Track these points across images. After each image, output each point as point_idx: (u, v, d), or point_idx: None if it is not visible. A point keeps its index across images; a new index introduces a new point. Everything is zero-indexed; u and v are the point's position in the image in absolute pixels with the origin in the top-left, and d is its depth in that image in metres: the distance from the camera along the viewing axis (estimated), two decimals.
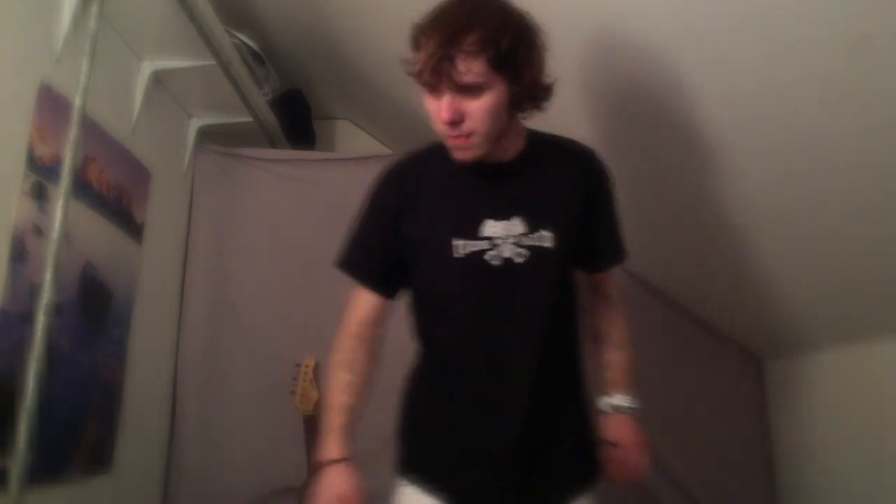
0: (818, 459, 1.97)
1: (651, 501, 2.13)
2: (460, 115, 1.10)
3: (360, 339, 1.29)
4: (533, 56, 1.13)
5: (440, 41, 1.06)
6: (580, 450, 1.28)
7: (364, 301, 1.29)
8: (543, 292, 1.21)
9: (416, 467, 1.27)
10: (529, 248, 1.19)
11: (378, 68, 2.39)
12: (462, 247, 1.19)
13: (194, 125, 2.33)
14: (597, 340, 1.36)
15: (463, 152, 1.15)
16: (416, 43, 1.11)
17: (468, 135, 1.12)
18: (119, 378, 1.86)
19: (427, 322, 1.29)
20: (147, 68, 1.99)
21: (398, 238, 1.24)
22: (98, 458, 1.77)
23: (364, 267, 1.29)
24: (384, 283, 1.28)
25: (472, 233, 1.19)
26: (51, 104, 1.53)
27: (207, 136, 2.39)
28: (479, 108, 1.10)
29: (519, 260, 1.18)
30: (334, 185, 2.35)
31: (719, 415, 2.20)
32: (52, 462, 1.56)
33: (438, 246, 1.20)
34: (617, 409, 1.30)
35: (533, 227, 1.19)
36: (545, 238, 1.19)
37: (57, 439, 1.58)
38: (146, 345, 1.99)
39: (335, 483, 1.22)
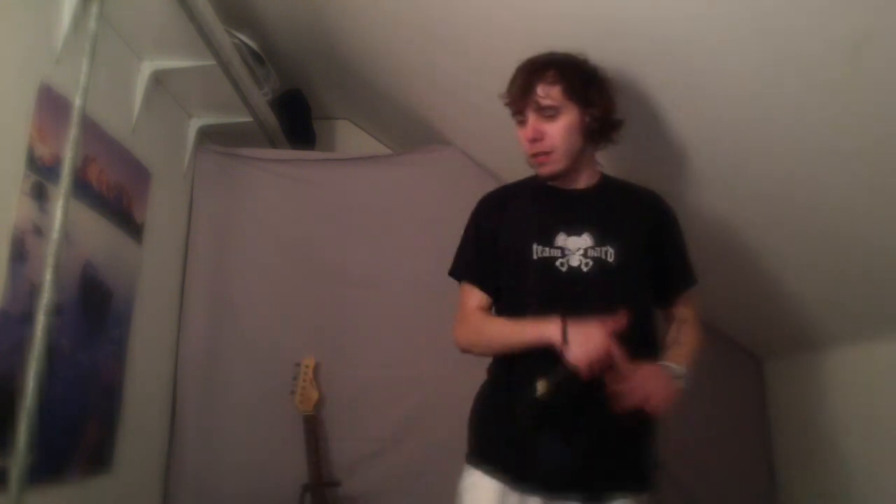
0: (818, 459, 1.97)
1: (651, 501, 2.13)
2: (541, 134, 1.36)
3: (480, 313, 1.46)
4: (602, 92, 1.40)
5: (526, 73, 1.38)
6: (637, 456, 1.40)
7: (474, 296, 1.47)
8: (605, 299, 1.32)
9: (484, 454, 1.37)
10: (594, 259, 1.36)
11: (378, 68, 2.39)
12: (539, 251, 1.38)
13: (194, 125, 2.33)
14: (665, 346, 1.47)
15: (544, 167, 1.39)
16: (510, 84, 1.40)
17: (548, 152, 1.37)
18: (119, 378, 1.86)
19: (507, 315, 1.43)
20: (147, 68, 1.99)
21: (495, 246, 1.45)
22: (98, 458, 1.77)
23: (471, 270, 1.49)
24: (486, 282, 1.46)
25: (548, 241, 1.38)
26: (51, 104, 1.53)
27: (207, 136, 2.39)
28: (556, 128, 1.36)
29: (585, 269, 1.36)
30: (334, 185, 2.35)
31: (719, 415, 2.20)
32: (52, 462, 1.56)
33: (522, 249, 1.39)
34: (660, 363, 1.37)
35: (600, 242, 1.37)
36: (609, 253, 1.36)
37: (57, 439, 1.58)
38: (146, 345, 1.99)
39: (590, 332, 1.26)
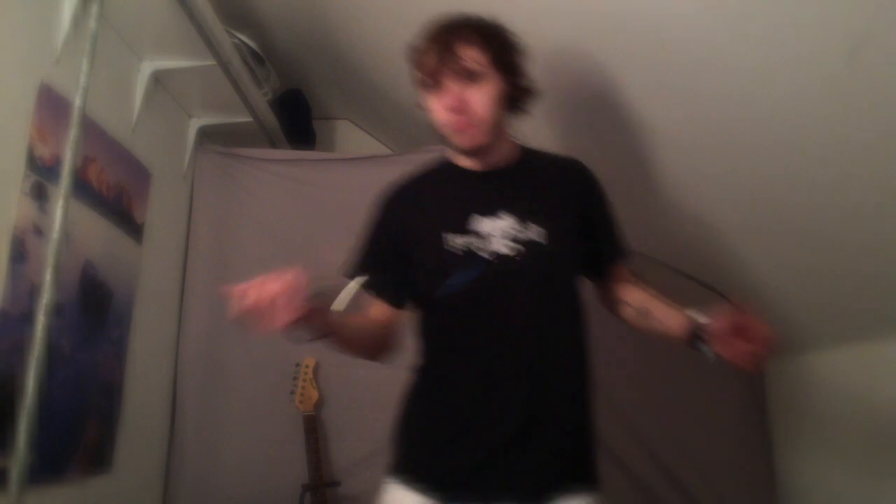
0: (818, 460, 1.97)
1: (650, 500, 2.13)
2: (464, 102, 1.19)
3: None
4: (521, 59, 1.26)
5: (445, 34, 1.20)
6: (576, 452, 1.21)
7: (375, 308, 1.31)
8: (538, 286, 1.21)
9: (407, 466, 1.23)
10: (522, 242, 1.21)
11: (378, 68, 2.39)
12: (451, 239, 1.22)
13: (194, 125, 2.33)
14: (650, 309, 1.31)
15: (467, 138, 1.22)
16: (417, 48, 1.23)
17: (471, 122, 1.20)
18: (119, 378, 1.86)
19: (424, 318, 1.29)
20: (147, 68, 1.99)
21: (401, 245, 1.28)
22: (98, 458, 1.77)
23: (370, 275, 1.29)
24: (385, 290, 1.30)
25: (461, 227, 1.22)
26: (51, 104, 1.53)
27: (207, 136, 2.39)
28: (481, 95, 1.20)
29: (511, 254, 1.20)
30: (334, 185, 2.35)
31: (719, 415, 2.20)
32: (52, 462, 1.56)
33: (431, 240, 1.23)
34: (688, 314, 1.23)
35: (523, 222, 1.22)
36: (537, 233, 1.21)
37: (57, 439, 1.58)
38: (146, 345, 1.99)
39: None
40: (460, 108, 1.19)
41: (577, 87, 1.69)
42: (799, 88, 1.25)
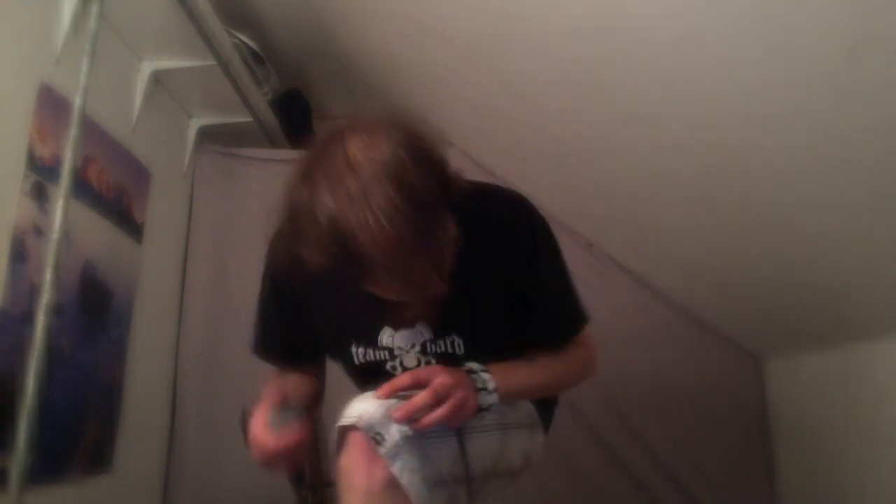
0: (818, 459, 1.97)
1: (650, 500, 2.13)
2: (438, 288, 0.90)
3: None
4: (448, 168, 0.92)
5: (394, 265, 0.84)
6: None
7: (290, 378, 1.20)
8: None
9: None
10: (438, 356, 1.06)
11: (378, 68, 2.39)
12: (362, 354, 1.09)
13: (194, 125, 2.33)
14: None
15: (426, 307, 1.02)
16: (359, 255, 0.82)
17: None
18: (119, 378, 1.86)
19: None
20: (147, 68, 1.99)
21: (307, 328, 1.14)
22: (98, 458, 1.77)
23: (280, 350, 1.22)
24: (306, 360, 1.21)
25: (370, 341, 1.08)
26: (51, 104, 1.53)
27: (207, 136, 2.39)
28: (445, 269, 0.89)
29: (425, 358, 1.06)
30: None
31: (719, 414, 2.20)
32: (52, 462, 1.55)
33: (340, 349, 1.12)
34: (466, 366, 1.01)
35: (442, 332, 1.06)
36: (457, 344, 1.05)
37: (57, 439, 1.58)
38: (146, 345, 1.99)
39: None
40: (435, 292, 0.90)
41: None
42: (800, 89, 1.25)
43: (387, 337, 1.07)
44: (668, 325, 2.27)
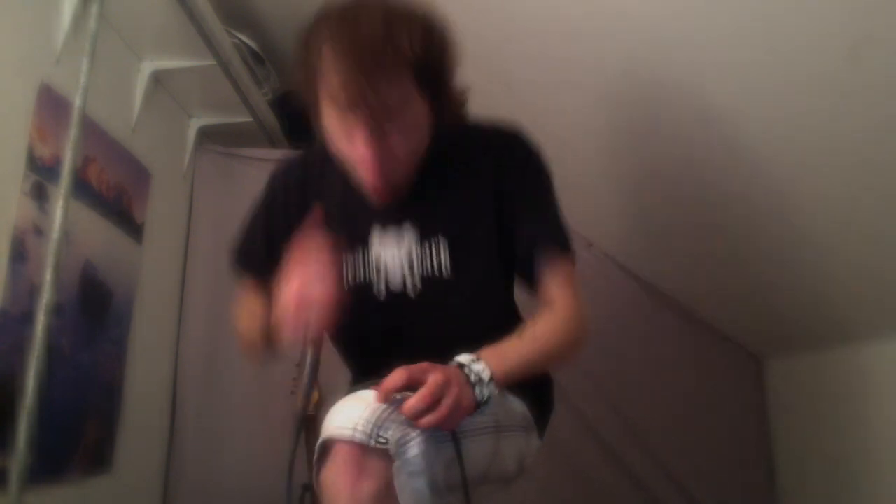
0: (818, 459, 1.97)
1: (650, 500, 2.13)
2: (382, 147, 0.96)
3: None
4: (453, 66, 1.02)
5: (356, 60, 0.90)
6: None
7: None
8: (444, 331, 1.06)
9: None
10: (424, 280, 1.07)
11: None
12: (351, 276, 1.10)
13: (194, 125, 2.33)
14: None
15: (380, 195, 1.02)
16: (321, 51, 0.93)
17: (389, 169, 0.99)
18: (119, 378, 1.86)
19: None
20: (147, 68, 1.99)
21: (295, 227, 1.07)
22: (98, 458, 1.77)
23: (253, 264, 1.20)
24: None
25: (363, 251, 1.10)
26: (51, 104, 1.53)
27: (207, 136, 2.39)
28: (402, 143, 0.98)
29: (412, 293, 1.07)
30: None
31: (719, 415, 2.20)
32: (52, 462, 1.55)
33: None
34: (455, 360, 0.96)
35: (426, 232, 1.07)
36: (441, 255, 1.06)
37: (57, 439, 1.58)
38: (146, 345, 1.99)
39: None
40: (383, 157, 0.96)
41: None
42: (800, 89, 1.25)
43: (376, 245, 1.08)
44: (668, 325, 2.26)
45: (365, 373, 1.12)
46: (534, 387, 1.13)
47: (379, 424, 0.85)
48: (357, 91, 0.91)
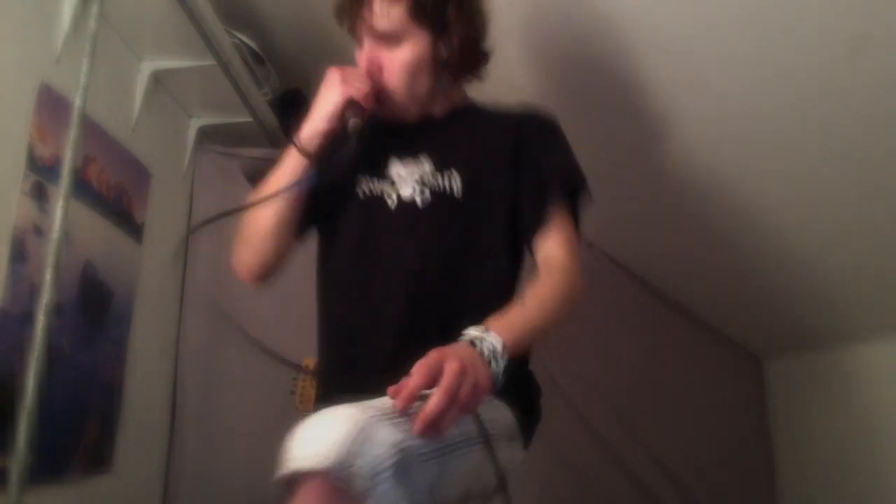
0: (818, 460, 1.97)
1: (650, 500, 2.13)
2: (377, 65, 1.09)
3: None
4: (465, 13, 1.10)
5: None
6: None
7: None
8: (442, 242, 1.08)
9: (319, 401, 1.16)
10: (433, 190, 1.10)
11: None
12: (367, 185, 1.15)
13: (194, 125, 2.33)
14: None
15: (366, 100, 1.08)
16: None
17: (384, 87, 1.09)
18: (119, 378, 1.86)
19: (323, 274, 1.24)
20: (147, 68, 1.99)
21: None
22: (98, 458, 1.77)
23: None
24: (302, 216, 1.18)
25: (378, 171, 1.15)
26: (51, 104, 1.53)
27: (207, 136, 2.39)
28: (395, 61, 1.08)
29: (419, 202, 1.10)
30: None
31: (719, 415, 2.20)
32: (52, 462, 1.55)
33: (346, 185, 1.17)
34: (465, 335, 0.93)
35: (441, 165, 1.11)
36: (453, 179, 1.09)
37: (57, 439, 1.58)
38: (146, 345, 1.99)
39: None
40: (372, 71, 1.09)
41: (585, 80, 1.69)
42: (800, 88, 1.25)
43: (394, 167, 1.13)
44: (668, 325, 2.27)
45: (339, 281, 1.17)
46: (519, 394, 1.10)
47: (353, 450, 0.75)
48: (358, 10, 1.07)
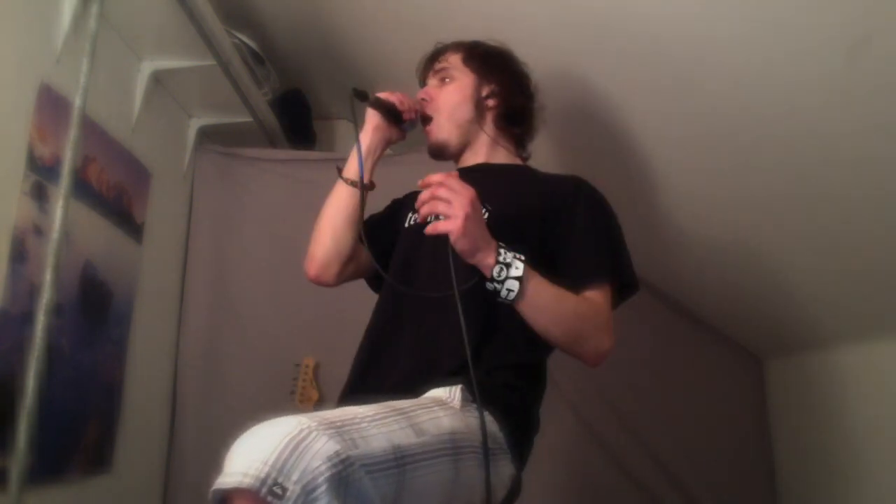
0: (818, 459, 1.97)
1: (650, 500, 2.13)
2: (429, 95, 1.33)
3: None
4: (504, 70, 1.35)
5: (434, 48, 1.39)
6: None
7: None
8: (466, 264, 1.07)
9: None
10: None
11: (378, 68, 2.39)
12: (412, 219, 1.29)
13: (194, 125, 2.33)
14: None
15: (428, 135, 1.34)
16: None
17: (433, 110, 1.31)
18: (119, 378, 1.86)
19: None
20: (147, 68, 1.99)
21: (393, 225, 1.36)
22: (98, 458, 1.77)
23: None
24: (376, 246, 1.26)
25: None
26: (51, 104, 1.53)
27: (207, 136, 2.39)
28: (443, 92, 1.32)
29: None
30: (334, 185, 2.35)
31: (719, 415, 2.20)
32: (52, 462, 1.56)
33: (400, 221, 1.34)
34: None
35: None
36: (485, 211, 1.12)
37: (57, 439, 1.58)
38: (146, 345, 1.99)
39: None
40: (426, 97, 1.33)
41: (576, 99, 1.69)
42: (800, 88, 1.25)
43: None
44: (668, 325, 2.27)
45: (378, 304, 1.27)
46: (511, 405, 1.09)
47: (279, 466, 0.72)
48: (426, 59, 1.40)
